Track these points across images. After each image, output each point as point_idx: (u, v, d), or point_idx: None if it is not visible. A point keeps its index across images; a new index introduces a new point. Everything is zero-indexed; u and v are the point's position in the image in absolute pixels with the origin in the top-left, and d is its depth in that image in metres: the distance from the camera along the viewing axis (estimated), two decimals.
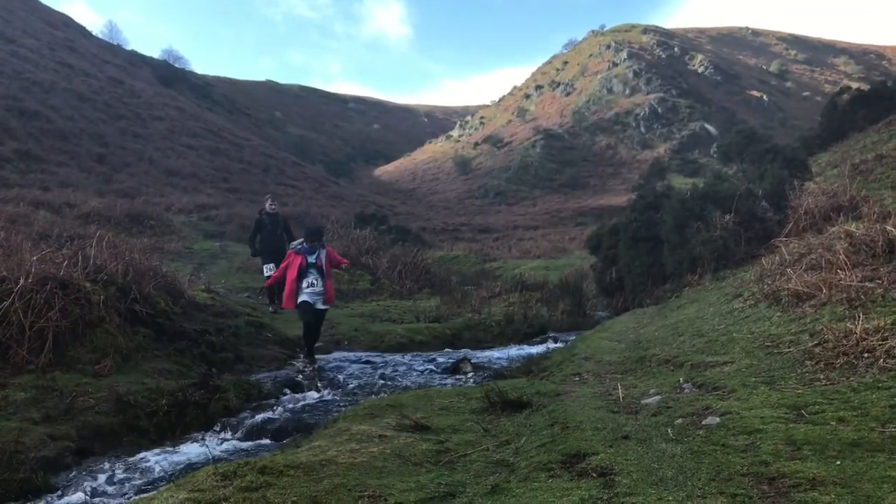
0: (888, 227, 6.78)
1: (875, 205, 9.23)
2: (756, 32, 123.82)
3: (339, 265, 10.55)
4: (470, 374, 8.94)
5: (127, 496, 4.79)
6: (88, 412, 6.25)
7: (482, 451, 4.33)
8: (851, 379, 4.44)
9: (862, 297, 5.74)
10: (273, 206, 13.35)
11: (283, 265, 10.16)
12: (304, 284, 9.84)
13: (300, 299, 9.82)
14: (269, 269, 12.45)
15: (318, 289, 9.88)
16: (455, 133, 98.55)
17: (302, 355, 10.12)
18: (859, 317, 5.24)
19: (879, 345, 4.69)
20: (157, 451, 5.87)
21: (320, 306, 9.97)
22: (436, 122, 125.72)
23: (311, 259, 9.90)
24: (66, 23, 74.09)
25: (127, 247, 10.36)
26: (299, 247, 10.04)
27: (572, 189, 69.33)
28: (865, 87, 33.54)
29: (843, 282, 6.18)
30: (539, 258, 29.57)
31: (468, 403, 5.73)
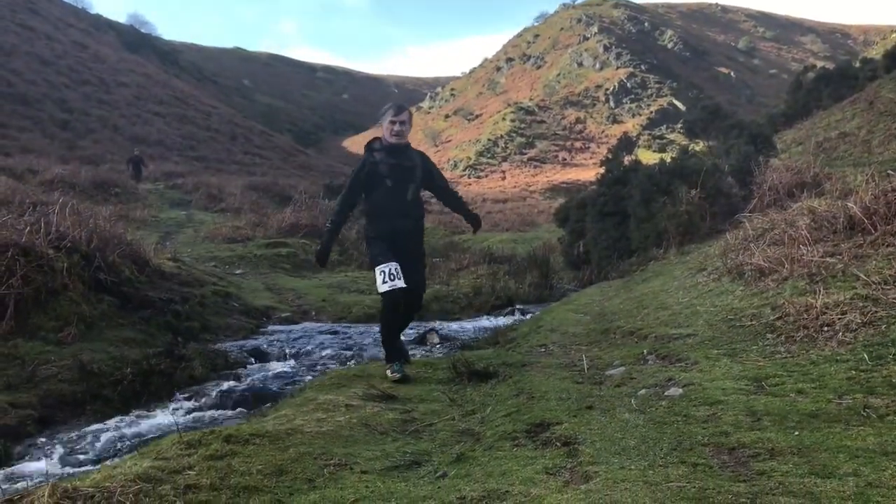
0: (849, 204, 6.88)
1: (837, 182, 9.36)
2: (725, 9, 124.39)
3: None
4: (437, 345, 8.97)
5: (91, 464, 4.76)
6: (51, 380, 6.18)
7: (448, 420, 4.36)
8: (811, 352, 4.52)
9: (823, 272, 5.83)
10: None
11: None
12: None
13: None
14: None
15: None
16: (425, 104, 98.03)
17: None
18: (820, 291, 5.33)
19: (839, 319, 4.78)
20: (121, 419, 5.82)
21: None
22: (406, 92, 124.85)
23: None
24: None
25: (91, 214, 10.21)
26: None
27: (542, 163, 69.52)
28: (830, 65, 33.95)
29: (804, 257, 6.27)
30: (508, 231, 29.62)
31: (435, 373, 5.76)
